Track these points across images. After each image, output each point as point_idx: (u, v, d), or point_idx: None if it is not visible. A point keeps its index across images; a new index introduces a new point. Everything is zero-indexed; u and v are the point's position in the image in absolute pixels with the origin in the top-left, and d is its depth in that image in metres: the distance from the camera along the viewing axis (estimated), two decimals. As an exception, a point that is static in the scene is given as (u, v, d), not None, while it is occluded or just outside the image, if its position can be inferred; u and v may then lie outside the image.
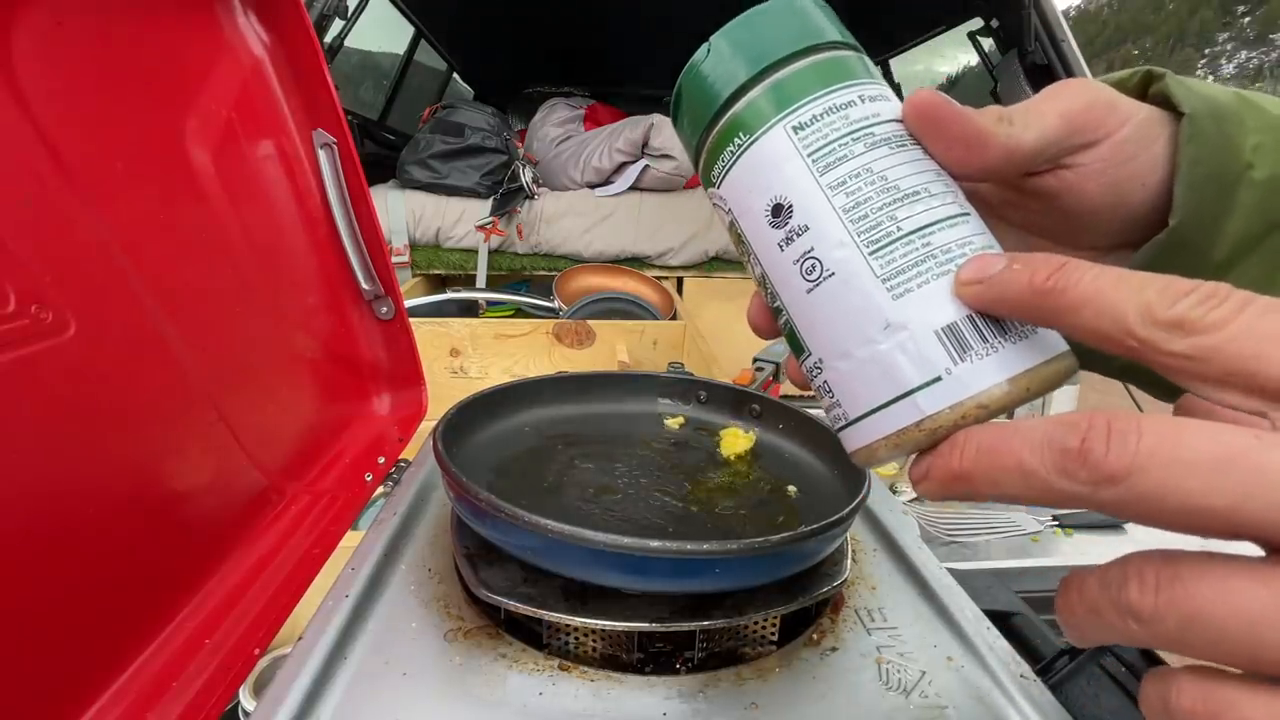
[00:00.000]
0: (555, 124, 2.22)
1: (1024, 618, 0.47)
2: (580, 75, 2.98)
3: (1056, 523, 1.21)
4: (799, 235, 0.23)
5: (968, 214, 0.23)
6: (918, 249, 0.22)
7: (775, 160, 0.24)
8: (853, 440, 0.24)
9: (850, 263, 0.22)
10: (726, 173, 0.25)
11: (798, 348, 0.25)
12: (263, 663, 0.66)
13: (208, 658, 0.39)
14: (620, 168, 1.91)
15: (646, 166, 1.87)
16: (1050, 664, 0.42)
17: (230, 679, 0.39)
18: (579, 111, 2.30)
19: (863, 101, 0.24)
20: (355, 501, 0.55)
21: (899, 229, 0.22)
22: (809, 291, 0.23)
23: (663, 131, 1.83)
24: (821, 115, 0.24)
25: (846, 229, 0.22)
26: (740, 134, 0.25)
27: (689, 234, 1.86)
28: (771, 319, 0.27)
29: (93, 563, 0.36)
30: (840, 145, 0.23)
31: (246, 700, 0.70)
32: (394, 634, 0.36)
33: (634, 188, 1.89)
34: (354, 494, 0.55)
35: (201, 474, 0.45)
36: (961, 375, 0.21)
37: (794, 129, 0.24)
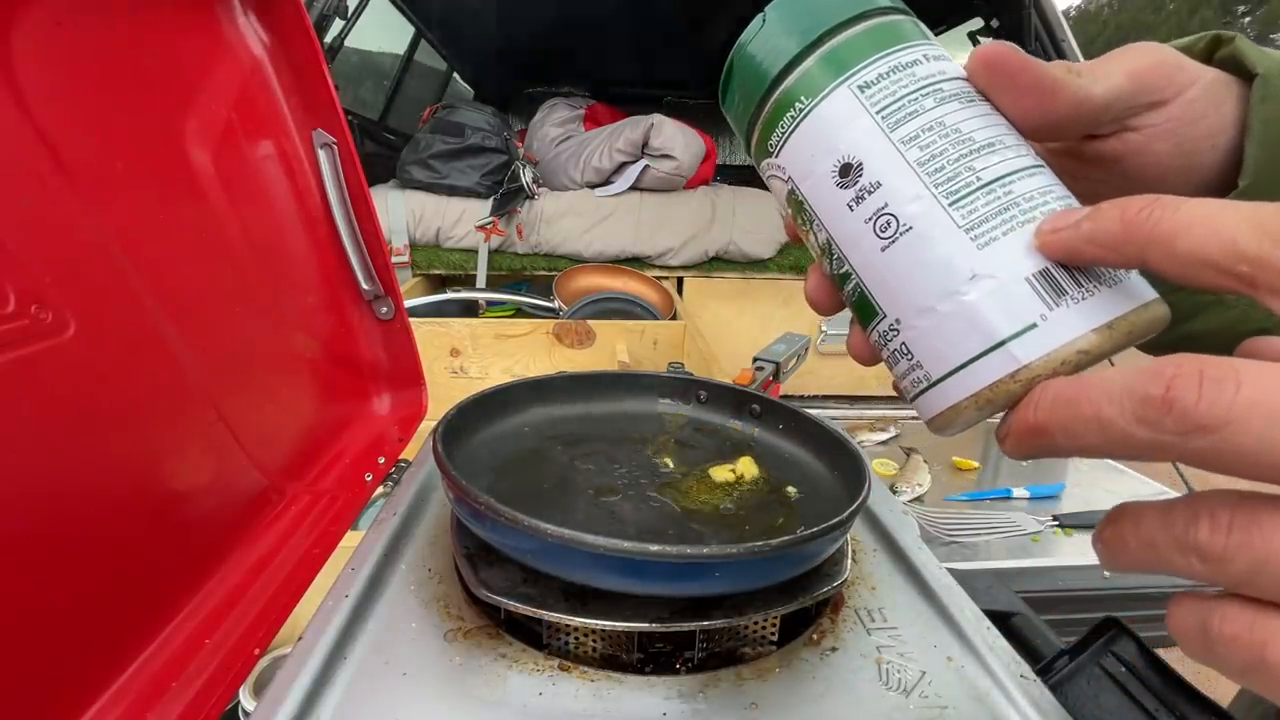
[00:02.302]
0: (555, 124, 2.22)
1: (1024, 618, 0.47)
2: (580, 75, 2.98)
3: (1056, 523, 1.21)
4: (870, 193, 0.23)
5: (1042, 166, 0.23)
6: (999, 197, 0.22)
7: (841, 120, 0.24)
8: (935, 403, 0.23)
9: (929, 215, 0.22)
10: (786, 140, 0.25)
11: (868, 313, 0.25)
12: (263, 663, 0.66)
13: (208, 658, 0.39)
14: (620, 168, 1.91)
15: (646, 166, 1.87)
16: (1050, 664, 0.42)
17: (230, 679, 0.39)
18: (579, 111, 2.30)
19: (927, 60, 0.24)
20: (355, 501, 0.55)
21: (978, 179, 0.22)
22: (884, 249, 0.23)
23: (663, 131, 1.83)
24: (888, 74, 0.24)
25: (923, 181, 0.22)
26: (801, 99, 0.25)
27: (689, 234, 1.86)
28: (832, 291, 0.27)
29: (93, 563, 0.36)
30: (910, 101, 0.23)
31: (246, 700, 0.70)
32: (394, 634, 0.36)
33: (634, 188, 1.89)
34: (354, 494, 0.55)
35: (201, 474, 0.45)
36: (1056, 322, 0.20)
37: (859, 88, 0.24)
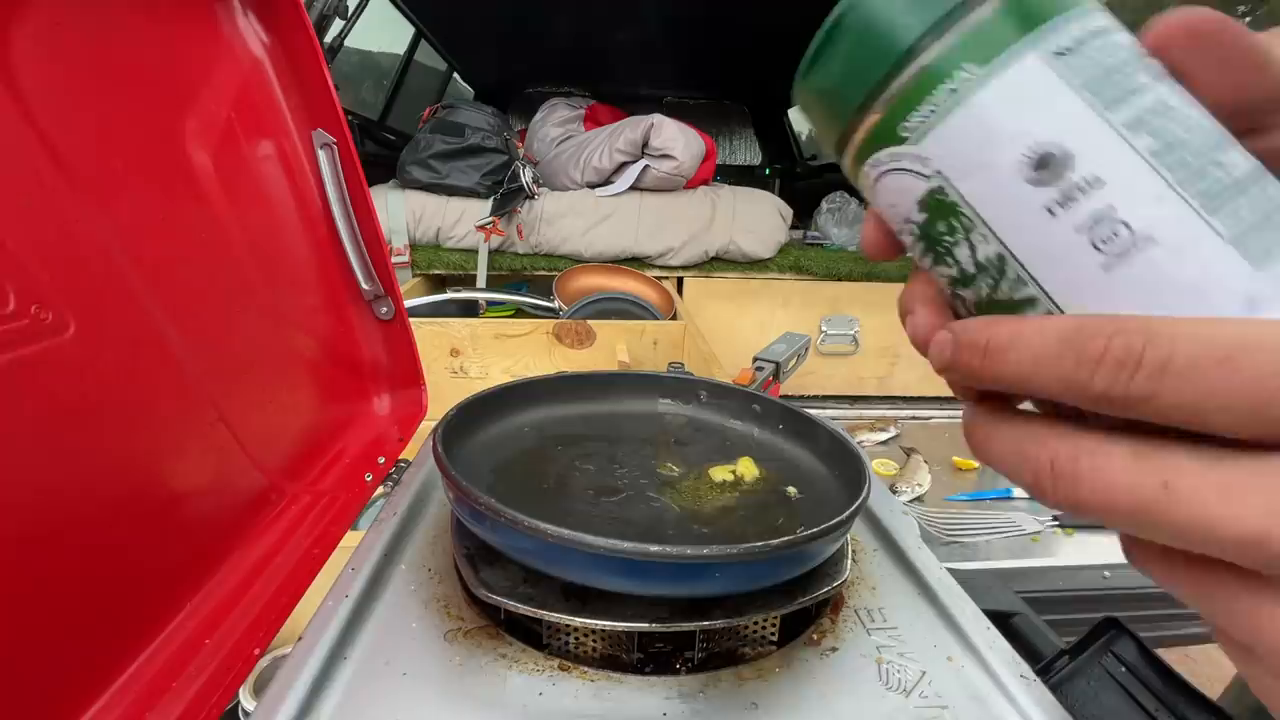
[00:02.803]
0: (555, 124, 2.22)
1: (1024, 618, 0.47)
2: (580, 75, 2.98)
3: (1057, 523, 1.21)
4: (1084, 191, 0.18)
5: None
6: (1261, 202, 0.17)
7: (1034, 97, 0.18)
8: None
9: (1178, 223, 0.17)
10: (936, 122, 0.19)
11: None
12: (263, 663, 0.66)
13: (208, 658, 0.39)
14: (620, 168, 1.91)
15: (646, 166, 1.87)
16: (1050, 664, 0.42)
17: (230, 679, 0.39)
18: (579, 111, 2.30)
19: (1116, 26, 0.19)
20: (355, 501, 0.55)
21: (1229, 176, 0.18)
22: (1108, 267, 0.18)
23: (663, 131, 1.83)
24: (1086, 38, 0.18)
25: (1163, 178, 0.17)
26: (963, 67, 0.19)
27: (689, 234, 1.86)
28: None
29: (93, 563, 0.36)
30: (1123, 75, 0.18)
31: (246, 700, 0.69)
32: (394, 634, 0.36)
33: (634, 188, 1.89)
34: (354, 494, 0.55)
35: (201, 474, 0.45)
36: None
37: (1055, 54, 0.18)
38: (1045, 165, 0.18)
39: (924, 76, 0.19)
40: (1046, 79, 0.18)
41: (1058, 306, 0.19)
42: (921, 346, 0.23)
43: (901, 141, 0.20)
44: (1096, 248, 0.18)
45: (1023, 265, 0.19)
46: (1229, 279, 0.17)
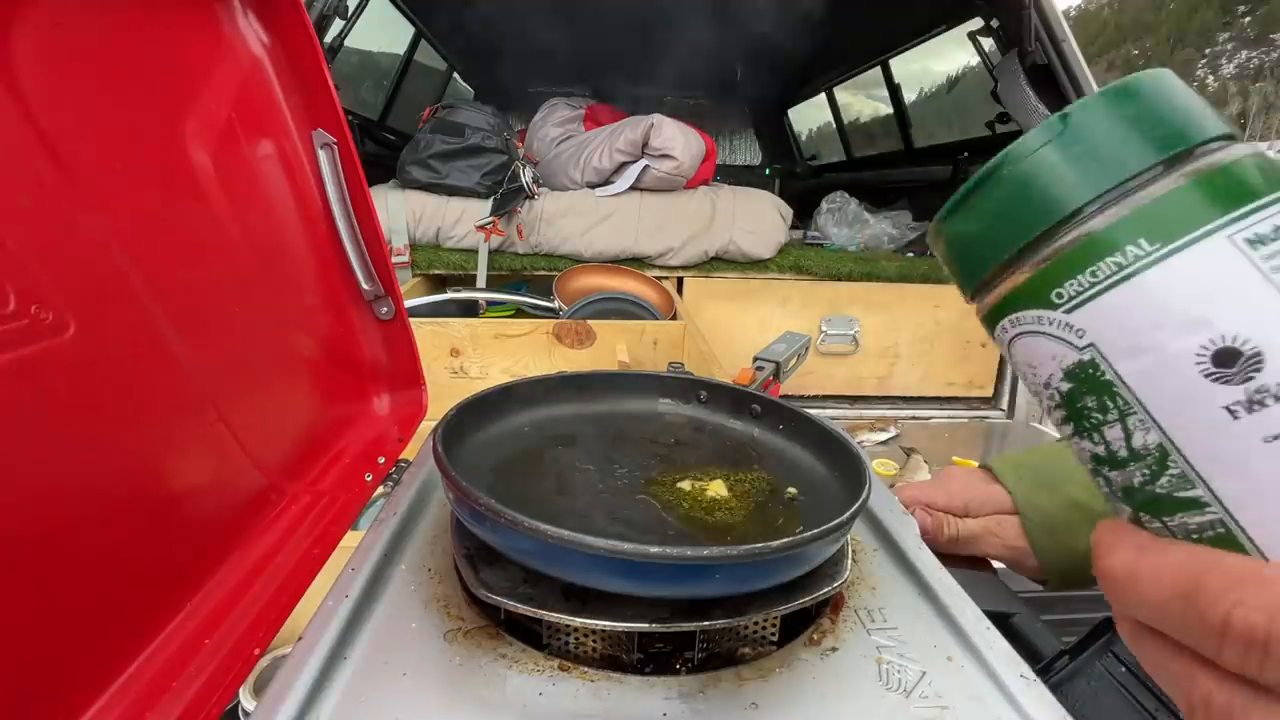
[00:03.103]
0: (555, 124, 2.22)
1: (1024, 618, 0.47)
2: (580, 75, 2.98)
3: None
4: (1278, 398, 0.16)
5: None
6: None
7: (1217, 284, 0.17)
8: None
9: None
10: (1096, 293, 0.18)
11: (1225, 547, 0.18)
12: (263, 663, 0.66)
13: (208, 658, 0.39)
14: (620, 168, 1.91)
15: (646, 166, 1.87)
16: (1050, 664, 0.42)
17: (230, 679, 0.39)
18: (579, 111, 2.30)
19: None
20: (355, 501, 0.55)
21: None
22: None
23: (663, 131, 1.83)
24: None
25: None
26: (1138, 242, 0.17)
27: (689, 234, 1.86)
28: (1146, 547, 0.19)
29: (93, 562, 0.36)
30: None
31: (246, 700, 0.69)
32: (394, 634, 0.36)
33: (634, 188, 1.89)
34: (354, 494, 0.55)
35: (201, 474, 0.45)
36: None
37: (1249, 241, 0.17)
38: (1228, 361, 0.16)
39: (1088, 244, 0.18)
40: (1236, 266, 0.17)
41: (1233, 518, 0.17)
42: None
43: (1053, 307, 0.19)
44: None
45: (1190, 464, 0.17)
46: None
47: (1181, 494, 0.18)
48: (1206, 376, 0.17)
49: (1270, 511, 0.16)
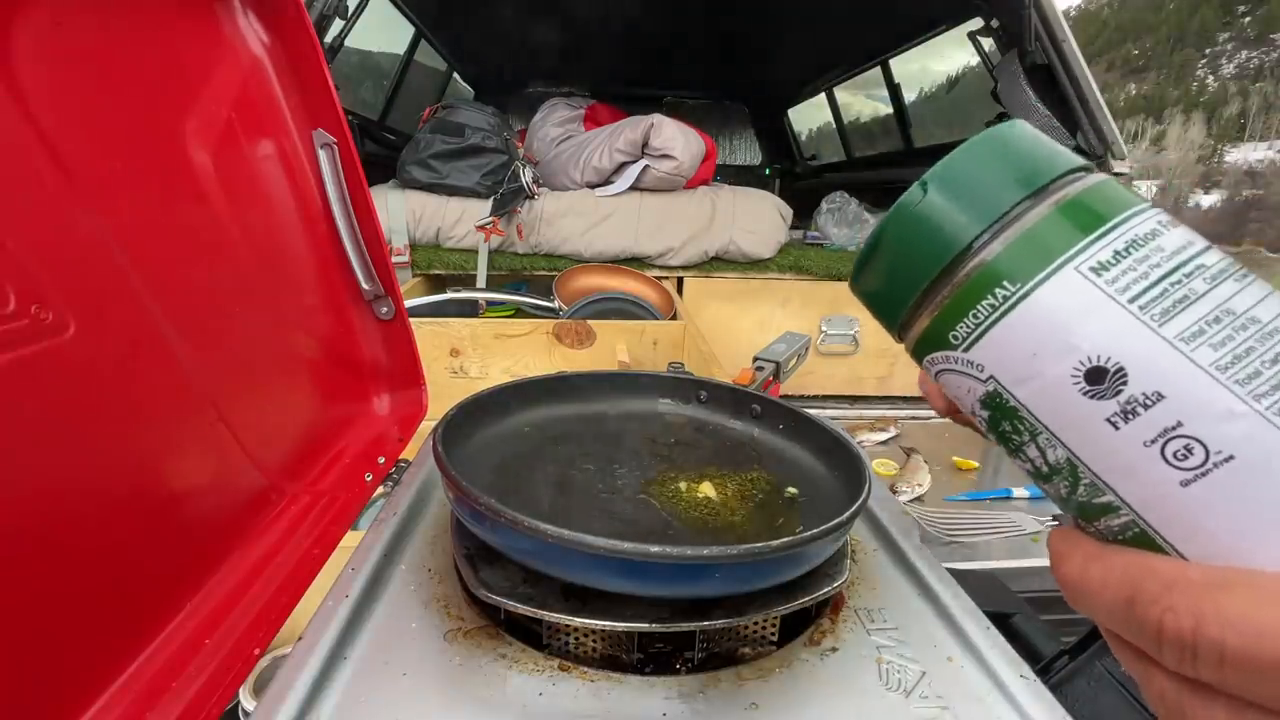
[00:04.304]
0: (555, 124, 2.22)
1: (1024, 618, 0.47)
2: (580, 75, 2.98)
3: (1057, 523, 1.20)
4: (1147, 407, 0.18)
5: None
6: None
7: (1075, 311, 0.18)
8: None
9: (1258, 440, 0.17)
10: (983, 332, 0.20)
11: (1146, 547, 0.19)
12: (263, 663, 0.66)
13: (208, 658, 0.39)
14: (620, 168, 1.91)
15: (646, 166, 1.87)
16: (1050, 664, 0.42)
17: (230, 679, 0.39)
18: (579, 111, 2.30)
19: (1165, 228, 0.19)
20: (355, 501, 0.55)
21: None
22: (1186, 484, 0.17)
23: (663, 131, 1.83)
24: (1127, 250, 0.18)
25: (1233, 393, 0.17)
26: (1002, 284, 0.19)
27: (689, 234, 1.86)
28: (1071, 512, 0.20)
29: (93, 562, 0.36)
30: (1172, 285, 0.18)
31: (246, 700, 0.69)
32: (394, 634, 0.36)
33: (634, 188, 1.89)
34: (354, 494, 0.55)
35: (201, 474, 0.45)
36: None
37: (1093, 270, 0.18)
38: (1099, 379, 0.18)
39: (967, 289, 0.20)
40: (1087, 294, 0.18)
41: (1141, 518, 0.18)
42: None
43: (953, 347, 0.21)
44: (1170, 463, 0.17)
45: (1095, 474, 0.19)
46: None
47: (1098, 500, 0.19)
48: (1085, 394, 0.18)
49: (1169, 510, 0.18)
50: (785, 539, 0.33)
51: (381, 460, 0.59)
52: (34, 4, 0.34)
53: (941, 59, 2.81)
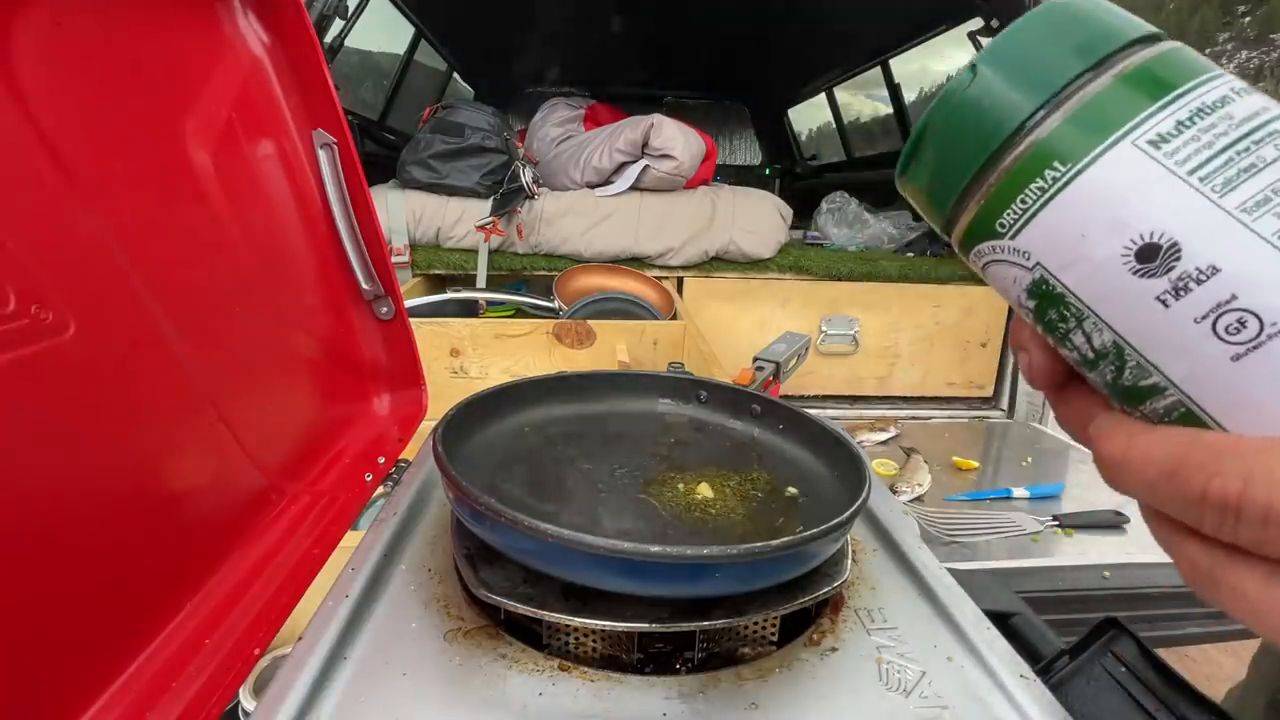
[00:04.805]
0: (555, 124, 2.22)
1: (1024, 618, 0.47)
2: (580, 75, 2.98)
3: (1056, 523, 1.21)
4: (1200, 282, 0.17)
5: None
6: None
7: (1127, 188, 0.18)
8: None
9: None
10: (1030, 217, 0.20)
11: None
12: (263, 663, 0.66)
13: (208, 658, 0.39)
14: (620, 168, 1.91)
15: (646, 166, 1.87)
16: (1050, 664, 0.42)
17: (230, 679, 0.39)
18: (579, 111, 2.30)
19: (1238, 94, 0.18)
20: (355, 501, 0.55)
21: None
22: (1237, 358, 0.17)
23: (663, 131, 1.83)
24: (1191, 120, 0.18)
25: None
26: (1053, 164, 0.19)
27: (689, 234, 1.86)
28: (1088, 403, 0.21)
29: (93, 563, 0.36)
30: (1239, 154, 0.17)
31: (246, 700, 0.69)
32: (394, 634, 0.36)
33: (634, 188, 1.89)
34: (354, 494, 0.55)
35: (201, 474, 0.45)
36: None
37: (1151, 143, 0.18)
38: (1150, 257, 0.18)
39: (1016, 173, 0.20)
40: (1143, 168, 0.18)
41: (1188, 396, 0.18)
42: (1032, 383, 0.23)
43: (999, 235, 0.20)
44: (1222, 338, 0.17)
45: (1142, 355, 0.19)
46: None
47: (1144, 383, 0.19)
48: (1135, 274, 0.18)
49: (1218, 386, 0.18)
50: (785, 539, 0.33)
51: (381, 460, 0.59)
52: (34, 4, 0.34)
53: (941, 59, 2.81)
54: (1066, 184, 0.19)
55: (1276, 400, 0.17)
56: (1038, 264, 0.20)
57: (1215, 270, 0.17)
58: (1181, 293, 0.17)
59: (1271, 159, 0.17)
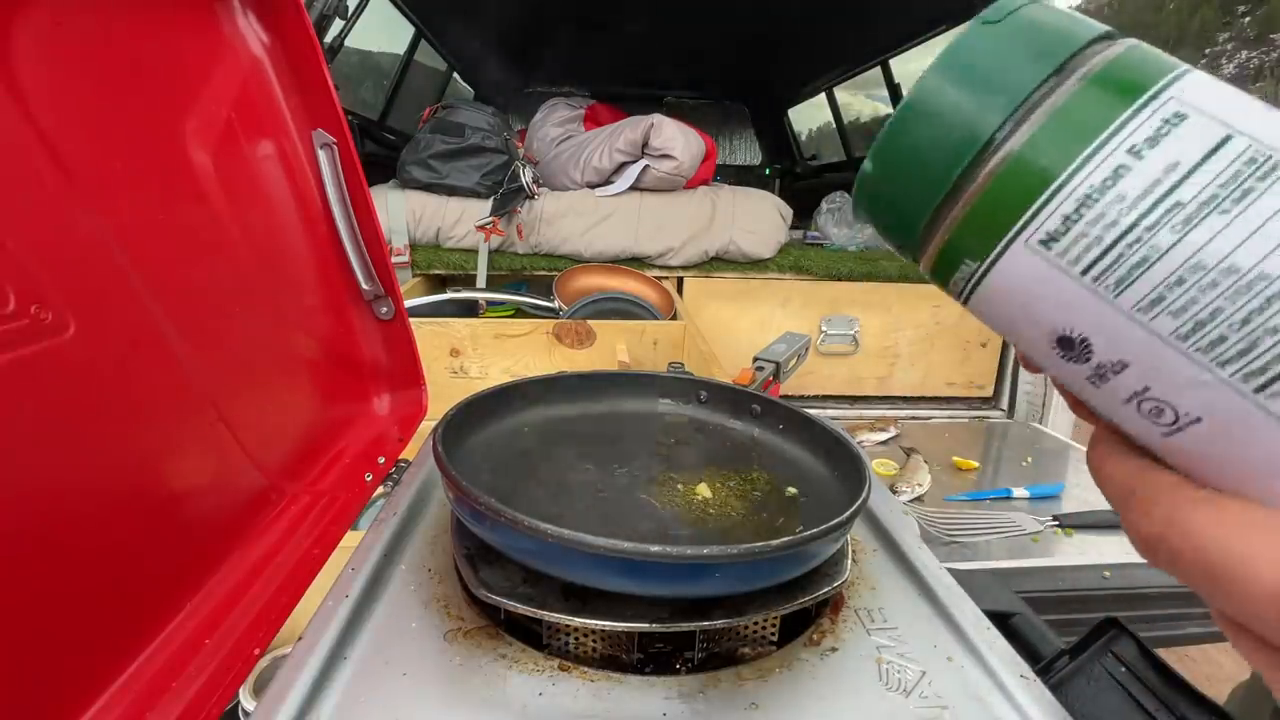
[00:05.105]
0: (555, 124, 2.22)
1: (1024, 618, 0.47)
2: (580, 75, 2.98)
3: (1056, 523, 1.21)
4: (1115, 373, 0.17)
5: None
6: None
7: (1032, 288, 0.18)
8: None
9: (1224, 407, 0.16)
10: (969, 293, 0.20)
11: None
12: (263, 663, 0.66)
13: (208, 658, 0.39)
14: (620, 168, 1.91)
15: (646, 166, 1.87)
16: (1050, 664, 0.42)
17: (230, 679, 0.39)
18: (579, 111, 2.30)
19: (1151, 146, 0.16)
20: (355, 501, 0.55)
21: None
22: (1164, 435, 0.18)
23: (663, 131, 1.83)
24: (1078, 212, 0.17)
25: (1198, 364, 0.16)
26: (965, 261, 0.19)
27: (689, 234, 1.86)
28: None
29: (93, 563, 0.36)
30: (1130, 247, 0.16)
31: (246, 700, 0.69)
32: (394, 634, 0.36)
33: (634, 188, 1.89)
34: (354, 494, 0.55)
35: (201, 474, 0.45)
36: None
37: (1043, 243, 0.17)
38: (1069, 347, 0.18)
39: (940, 260, 0.20)
40: (1038, 269, 0.18)
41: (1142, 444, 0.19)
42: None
43: (959, 298, 0.21)
44: (1149, 419, 0.18)
45: (1098, 410, 0.20)
46: None
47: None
48: (1062, 358, 0.18)
49: (1158, 449, 0.19)
50: (785, 539, 0.33)
51: (381, 460, 0.59)
52: (34, 4, 0.34)
53: (941, 59, 2.80)
54: (981, 279, 0.19)
55: (1202, 476, 0.18)
56: (996, 330, 0.21)
57: (1124, 364, 0.17)
58: (1103, 380, 0.18)
59: (1167, 245, 0.16)
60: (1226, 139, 0.16)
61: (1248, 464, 0.16)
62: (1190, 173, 0.16)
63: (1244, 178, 0.15)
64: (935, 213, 0.19)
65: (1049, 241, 0.17)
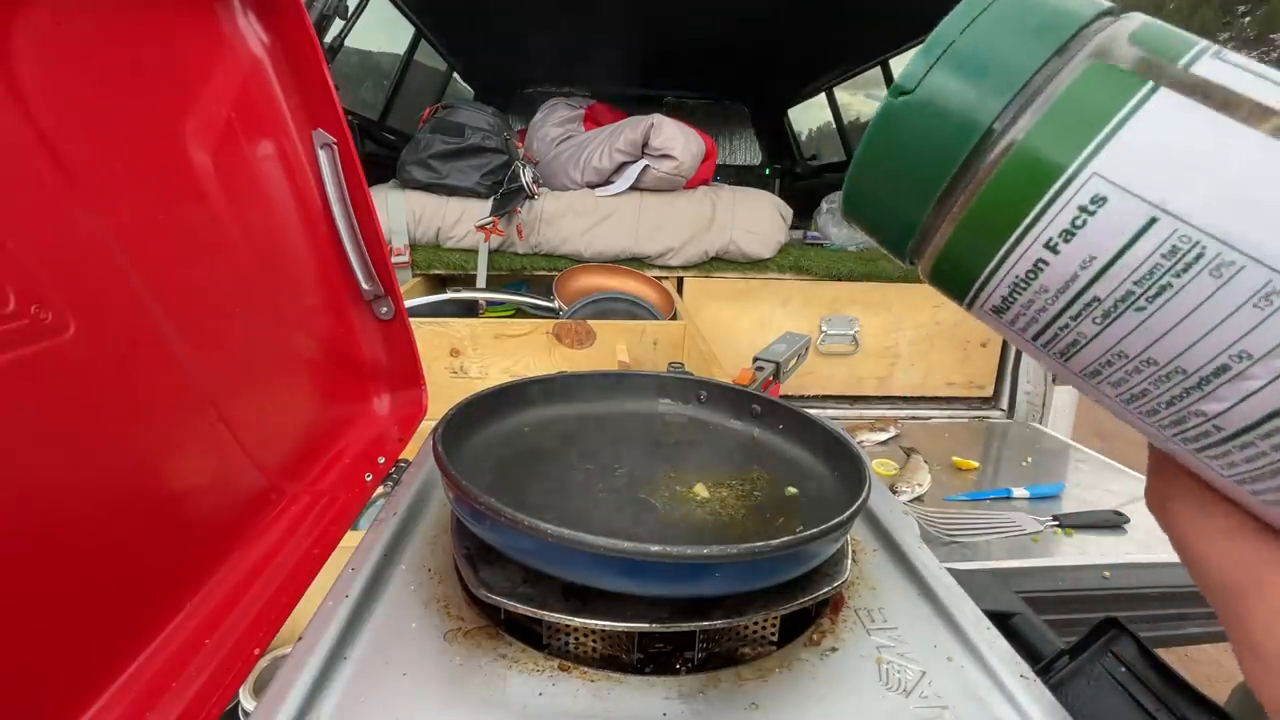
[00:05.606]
0: (555, 124, 2.22)
1: (1024, 618, 0.47)
2: (580, 75, 2.98)
3: (1056, 523, 1.21)
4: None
5: None
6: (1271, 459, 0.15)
7: (1002, 332, 0.19)
8: None
9: (1180, 456, 0.18)
10: (968, 307, 0.20)
11: None
12: (263, 663, 0.66)
13: (208, 658, 0.39)
14: (620, 168, 1.91)
15: (646, 166, 1.87)
16: (1050, 664, 0.42)
17: (230, 679, 0.39)
18: (579, 111, 2.30)
19: (1067, 240, 0.15)
20: (355, 501, 0.55)
21: (1216, 429, 0.15)
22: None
23: (663, 131, 1.83)
24: (1011, 296, 0.17)
25: (1145, 423, 0.17)
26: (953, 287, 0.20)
27: (689, 234, 1.86)
28: None
29: (93, 563, 0.36)
30: (1061, 329, 0.17)
31: (246, 700, 0.69)
32: (394, 634, 0.36)
33: (634, 188, 1.89)
34: (354, 494, 0.55)
35: (201, 474, 0.45)
36: None
37: (994, 311, 0.18)
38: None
39: (932, 275, 0.20)
40: (999, 325, 0.19)
41: None
42: None
43: (968, 308, 0.21)
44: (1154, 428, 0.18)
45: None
46: None
47: None
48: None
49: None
50: (785, 538, 0.33)
51: (381, 460, 0.59)
52: (34, 4, 0.34)
53: (941, 59, 2.80)
54: (972, 306, 0.20)
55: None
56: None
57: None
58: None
59: (1090, 336, 0.16)
60: (1151, 222, 0.14)
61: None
62: (1106, 268, 0.15)
63: (1161, 273, 0.15)
64: (913, 250, 0.20)
65: (999, 311, 0.18)
